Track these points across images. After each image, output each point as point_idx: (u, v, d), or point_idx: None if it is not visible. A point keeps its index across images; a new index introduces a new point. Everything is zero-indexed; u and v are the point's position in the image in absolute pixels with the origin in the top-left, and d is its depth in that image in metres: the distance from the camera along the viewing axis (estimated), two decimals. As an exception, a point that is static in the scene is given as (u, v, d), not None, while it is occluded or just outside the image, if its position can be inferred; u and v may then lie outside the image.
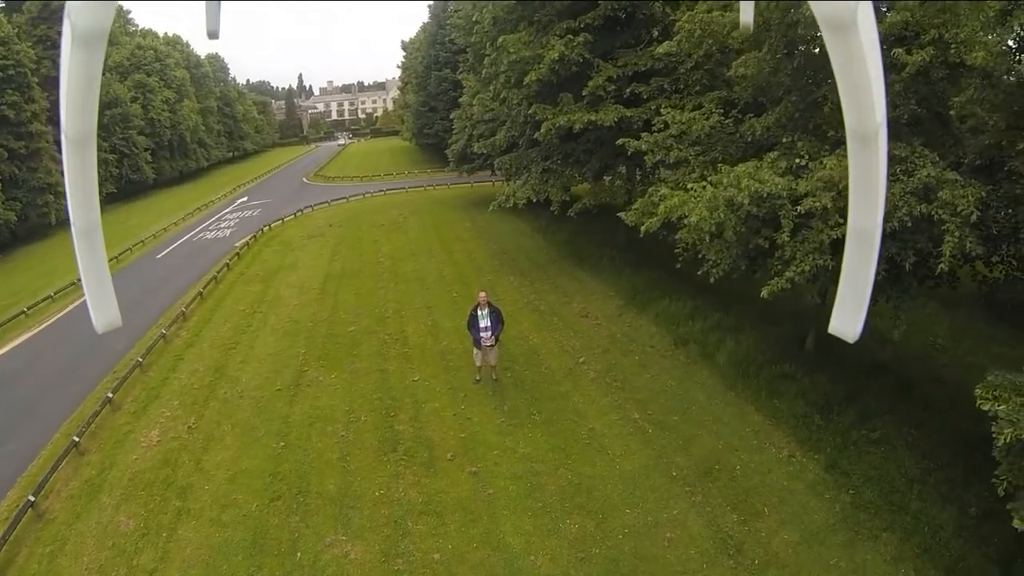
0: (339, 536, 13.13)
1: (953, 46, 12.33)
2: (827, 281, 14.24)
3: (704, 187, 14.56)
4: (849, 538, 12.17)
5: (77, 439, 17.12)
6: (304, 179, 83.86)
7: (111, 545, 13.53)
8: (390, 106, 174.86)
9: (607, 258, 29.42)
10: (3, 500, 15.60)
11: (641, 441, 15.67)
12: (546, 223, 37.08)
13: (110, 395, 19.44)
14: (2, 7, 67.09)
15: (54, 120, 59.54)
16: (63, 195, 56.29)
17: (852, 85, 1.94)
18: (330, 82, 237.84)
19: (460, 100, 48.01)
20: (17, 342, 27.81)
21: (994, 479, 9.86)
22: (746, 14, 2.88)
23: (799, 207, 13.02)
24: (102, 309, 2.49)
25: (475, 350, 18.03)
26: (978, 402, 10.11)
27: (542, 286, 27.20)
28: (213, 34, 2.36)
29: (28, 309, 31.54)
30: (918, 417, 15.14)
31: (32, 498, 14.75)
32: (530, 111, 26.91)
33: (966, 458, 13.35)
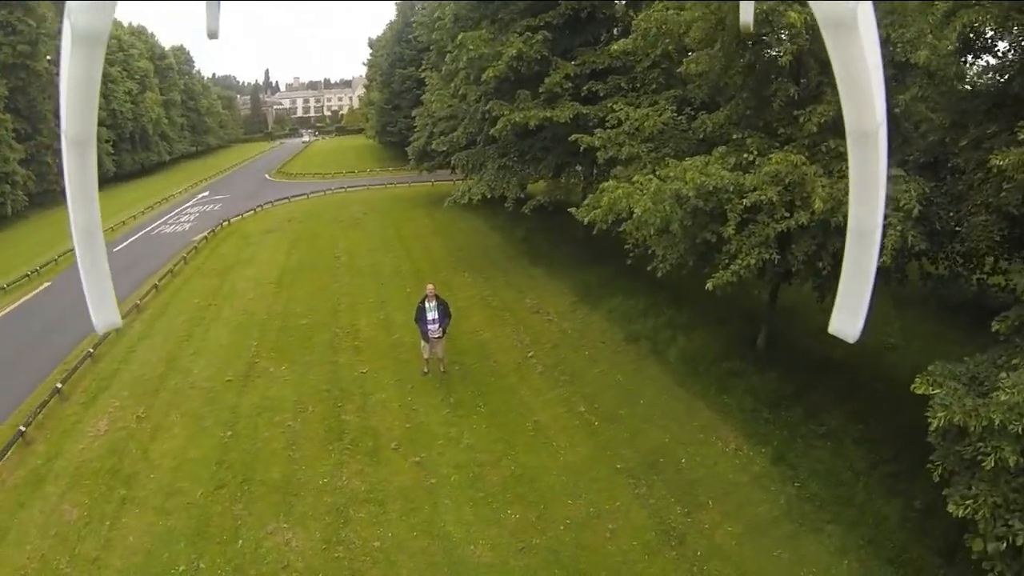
0: (281, 524, 13.11)
1: (899, 45, 12.53)
2: (776, 276, 14.46)
3: (650, 180, 14.64)
4: (793, 530, 12.29)
5: (23, 429, 16.93)
6: (266, 175, 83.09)
7: (54, 534, 13.38)
8: (356, 104, 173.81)
9: (563, 255, 29.49)
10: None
11: (587, 434, 15.78)
12: (503, 221, 36.97)
13: (59, 385, 19.25)
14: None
15: (11, 108, 58.80)
16: (19, 185, 56.33)
17: (852, 85, 1.94)
18: (296, 78, 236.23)
19: (422, 98, 47.96)
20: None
21: (929, 464, 10.12)
22: (746, 14, 2.82)
23: (745, 200, 13.09)
24: (102, 309, 2.45)
25: (423, 343, 18.06)
26: (912, 386, 10.36)
27: (496, 282, 27.24)
28: (213, 34, 2.37)
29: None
30: (867, 413, 15.29)
31: (-27, 489, 14.51)
32: (487, 107, 26.94)
33: (912, 452, 13.28)
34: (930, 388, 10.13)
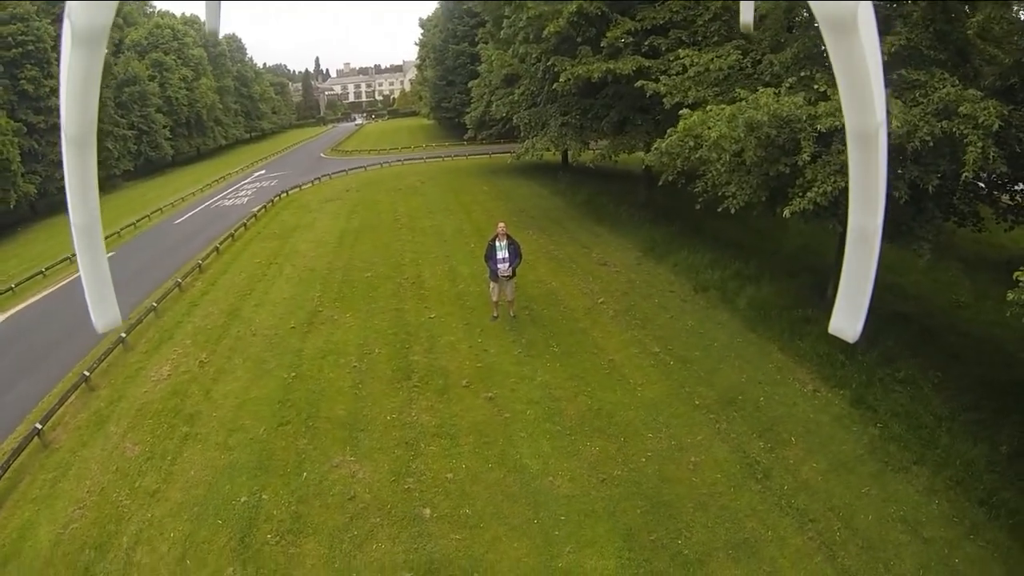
0: (347, 457, 12.91)
1: None
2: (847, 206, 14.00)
3: (723, 108, 14.48)
4: (879, 468, 11.90)
5: (88, 374, 17.12)
6: (321, 154, 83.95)
7: (115, 469, 13.38)
8: (407, 88, 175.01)
9: (625, 215, 29.48)
10: (12, 434, 15.50)
11: (662, 372, 15.41)
12: (565, 185, 37.22)
13: (123, 335, 19.50)
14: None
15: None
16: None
17: (852, 85, 1.88)
18: (347, 64, 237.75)
19: (479, 70, 47.96)
20: (36, 298, 28.25)
21: None
22: (746, 13, 2.92)
23: (819, 127, 12.77)
24: (102, 309, 2.37)
25: (491, 284, 17.82)
26: (1011, 294, 9.95)
27: (560, 239, 27.03)
28: (213, 33, 2.46)
29: (46, 270, 31.96)
30: (943, 362, 14.91)
31: (39, 426, 14.65)
32: (549, 63, 26.76)
33: (994, 401, 13.20)
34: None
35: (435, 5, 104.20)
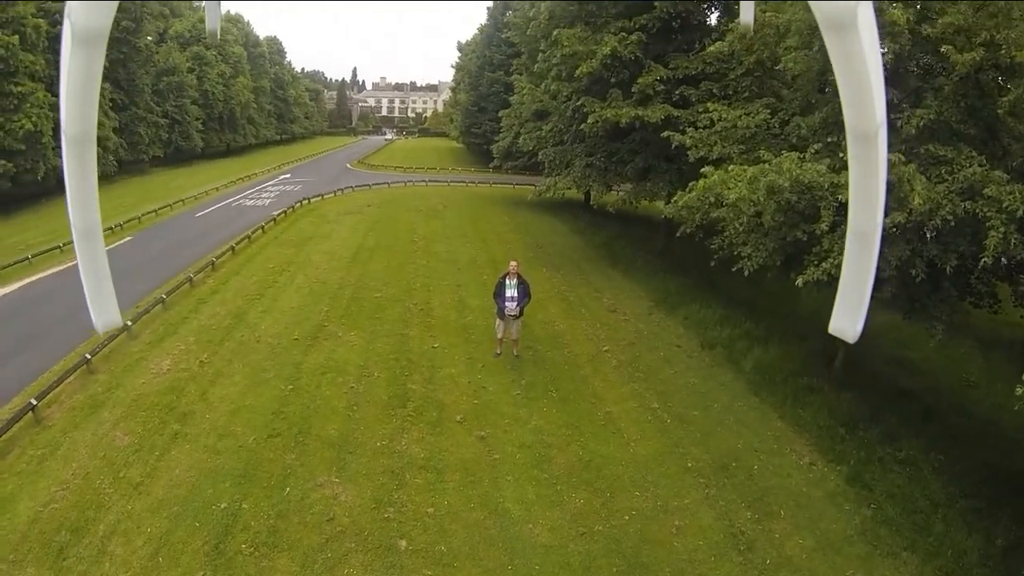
0: (332, 478, 12.83)
1: (1003, 47, 12.10)
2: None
3: (745, 169, 14.48)
4: (867, 551, 11.72)
5: (89, 357, 17.21)
6: (348, 164, 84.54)
7: (102, 456, 13.38)
8: (440, 108, 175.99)
9: (641, 261, 29.47)
10: (7, 404, 15.51)
11: (658, 429, 15.28)
12: (584, 225, 37.27)
13: (129, 323, 19.58)
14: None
15: (110, 78, 60.77)
16: (110, 151, 58.01)
17: (852, 85, 1.95)
18: (383, 78, 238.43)
19: (511, 100, 48.29)
20: (50, 272, 28.34)
21: None
22: (746, 13, 2.96)
23: (841, 197, 12.80)
24: (102, 309, 2.49)
25: (498, 321, 17.77)
26: (1020, 389, 9.76)
27: (574, 280, 26.96)
28: (212, 33, 2.51)
29: (63, 245, 31.90)
30: (945, 445, 14.74)
31: (35, 402, 14.73)
32: (579, 103, 26.94)
33: (993, 489, 13.04)
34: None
35: (475, 29, 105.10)
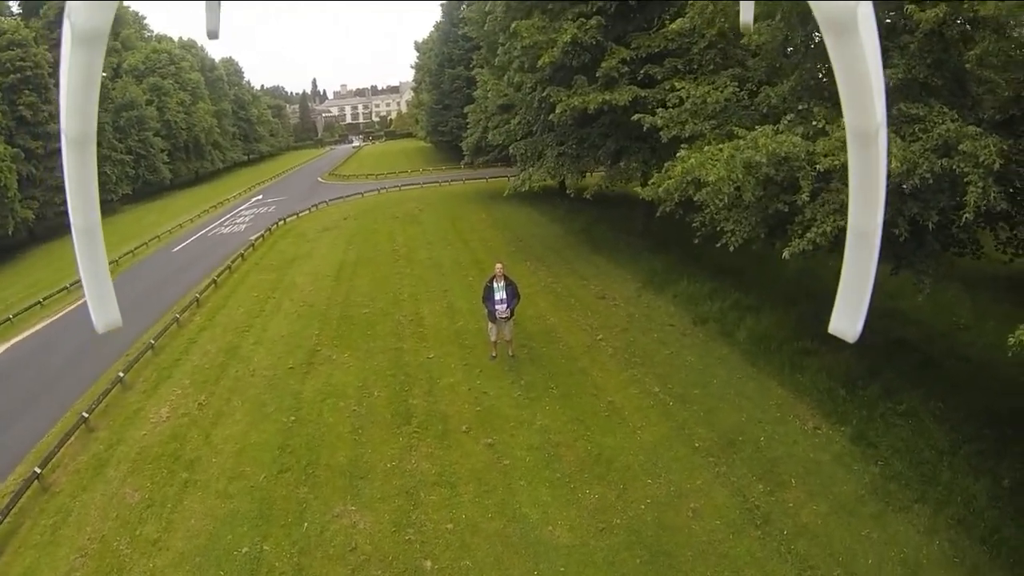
0: (348, 507, 12.83)
1: (966, 1, 12.09)
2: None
3: (721, 149, 14.45)
4: (880, 509, 11.81)
5: (87, 415, 17.09)
6: (319, 178, 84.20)
7: (115, 516, 13.33)
8: (404, 108, 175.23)
9: (624, 244, 29.40)
10: (11, 474, 15.51)
11: (661, 413, 15.33)
12: (563, 213, 37.20)
13: (121, 374, 19.42)
14: (19, 13, 68.02)
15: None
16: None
17: (852, 85, 1.91)
18: (344, 86, 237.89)
19: (474, 95, 48.15)
20: (33, 330, 28.14)
21: None
22: (746, 13, 2.84)
23: (817, 166, 12.78)
24: (102, 309, 2.42)
25: (489, 324, 17.79)
26: (1012, 338, 9.96)
27: (559, 270, 26.98)
28: (213, 34, 2.43)
29: (44, 300, 31.85)
30: (944, 392, 14.79)
31: (39, 470, 14.65)
32: (544, 94, 26.81)
33: (996, 431, 13.10)
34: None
35: (430, 27, 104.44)
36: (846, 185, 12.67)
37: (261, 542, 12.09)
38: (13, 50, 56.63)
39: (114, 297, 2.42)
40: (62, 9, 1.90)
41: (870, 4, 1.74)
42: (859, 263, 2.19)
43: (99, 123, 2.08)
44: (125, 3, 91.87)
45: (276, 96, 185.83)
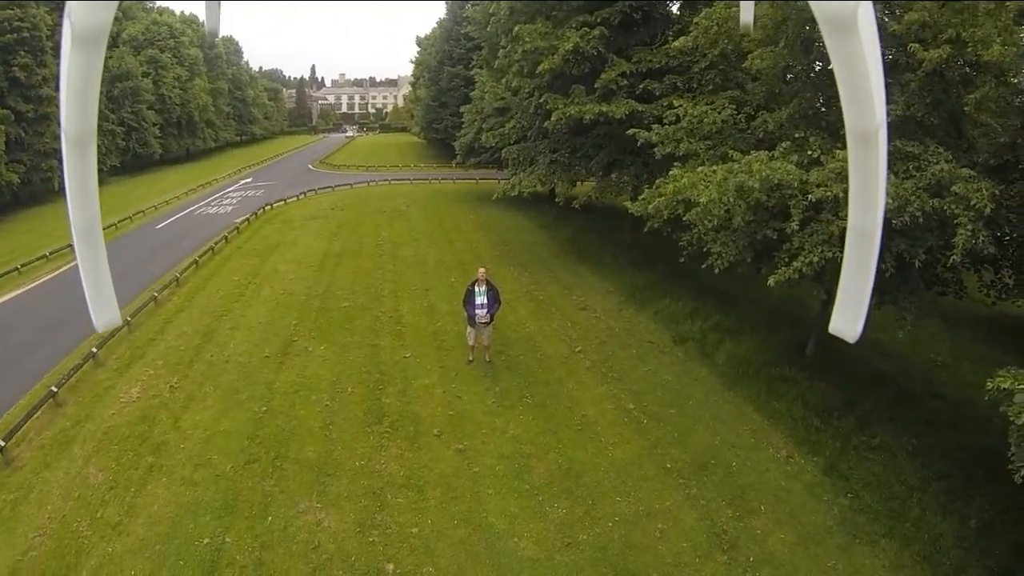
0: (314, 503, 12.74)
1: (970, 45, 12.22)
2: (833, 277, 14.04)
3: (714, 171, 14.48)
4: (847, 541, 11.87)
5: (55, 390, 16.84)
6: (310, 165, 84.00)
7: (77, 496, 13.13)
8: (400, 103, 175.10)
9: (610, 256, 29.35)
10: (-27, 446, 15.30)
11: (635, 431, 15.32)
12: (550, 220, 37.18)
13: (94, 350, 19.19)
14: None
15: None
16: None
17: (852, 85, 1.93)
18: (342, 75, 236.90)
19: (472, 95, 48.10)
20: (8, 297, 27.69)
21: (1010, 466, 9.65)
22: (746, 13, 2.96)
23: (810, 196, 12.96)
24: (102, 308, 2.46)
25: (468, 329, 17.76)
26: (991, 383, 9.87)
27: (542, 278, 26.94)
28: (213, 33, 2.53)
29: (22, 267, 31.39)
30: (918, 428, 14.92)
31: (2, 443, 14.47)
32: (541, 100, 26.82)
33: (967, 471, 13.20)
34: (1014, 382, 9.61)
35: (433, 23, 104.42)
36: (837, 216, 12.78)
37: (224, 533, 11.94)
38: (11, 9, 56.10)
39: (114, 296, 2.45)
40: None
41: (870, 4, 1.75)
42: (859, 263, 2.20)
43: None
44: (126, 1, 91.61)
45: (274, 79, 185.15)
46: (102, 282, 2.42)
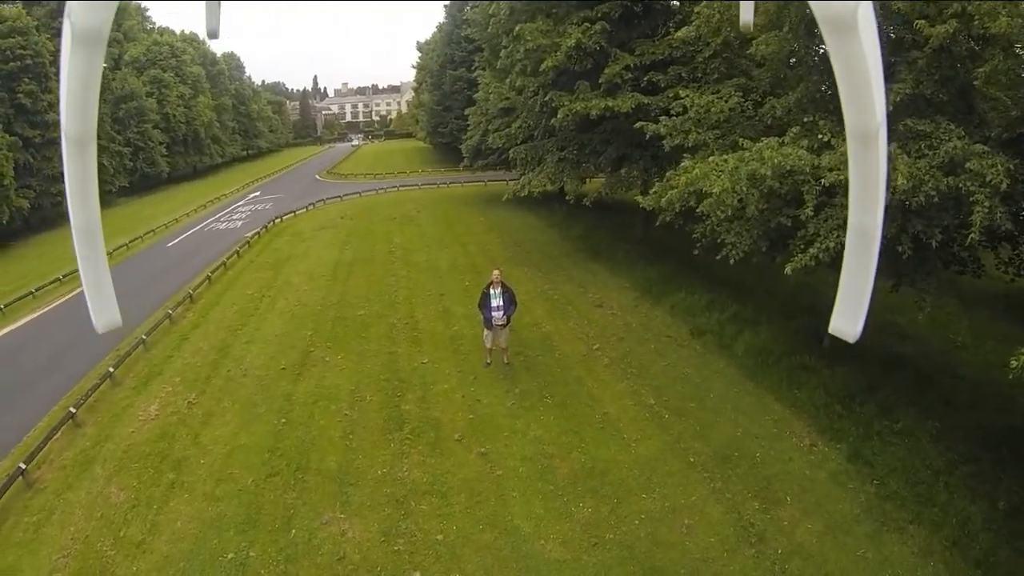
0: (337, 514, 12.66)
1: (976, 18, 12.00)
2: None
3: (726, 160, 14.32)
4: (875, 529, 11.67)
5: (74, 411, 16.88)
6: (317, 176, 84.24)
7: (99, 516, 13.12)
8: (404, 109, 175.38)
9: (622, 252, 29.16)
10: (-3, 470, 15.29)
11: (657, 426, 15.18)
12: (561, 218, 37.10)
13: (111, 370, 19.24)
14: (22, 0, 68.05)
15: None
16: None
17: (852, 85, 1.90)
18: (345, 84, 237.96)
19: (475, 97, 48.11)
20: (24, 321, 27.88)
21: None
22: (747, 13, 2.93)
23: (823, 180, 12.80)
24: (102, 309, 2.38)
25: (485, 331, 17.65)
26: (1015, 361, 9.64)
27: (556, 277, 26.85)
28: (213, 33, 2.41)
29: (36, 291, 31.65)
30: (940, 411, 14.68)
31: (23, 466, 14.44)
32: (546, 98, 26.72)
33: (992, 452, 13.00)
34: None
35: (433, 26, 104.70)
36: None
37: (248, 548, 11.89)
38: (14, 37, 56.48)
39: (114, 297, 2.38)
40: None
41: (870, 4, 1.73)
42: (859, 262, 2.17)
43: (98, 114, 1.99)
44: (126, 1, 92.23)
45: (277, 92, 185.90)
46: (102, 282, 2.36)
